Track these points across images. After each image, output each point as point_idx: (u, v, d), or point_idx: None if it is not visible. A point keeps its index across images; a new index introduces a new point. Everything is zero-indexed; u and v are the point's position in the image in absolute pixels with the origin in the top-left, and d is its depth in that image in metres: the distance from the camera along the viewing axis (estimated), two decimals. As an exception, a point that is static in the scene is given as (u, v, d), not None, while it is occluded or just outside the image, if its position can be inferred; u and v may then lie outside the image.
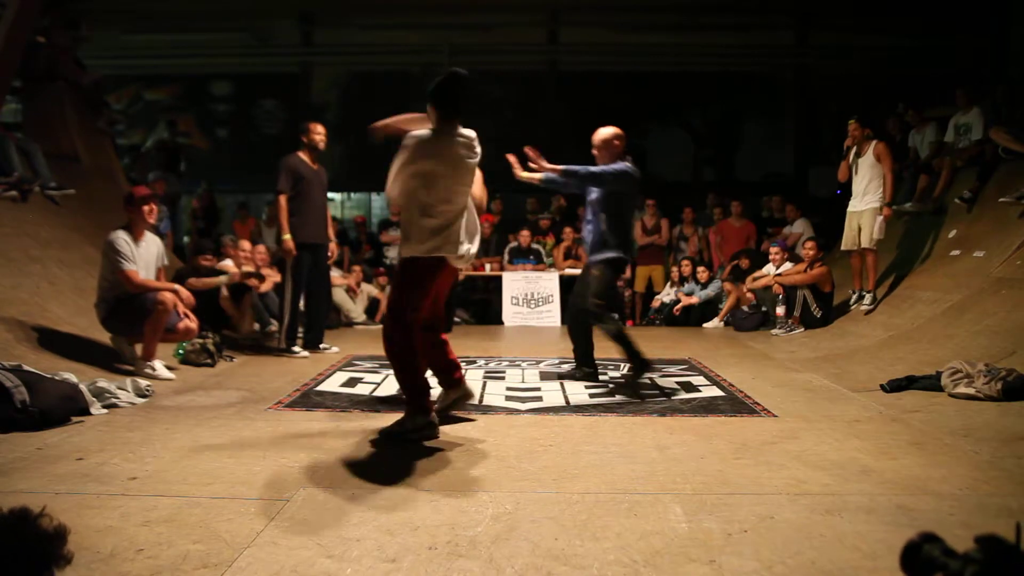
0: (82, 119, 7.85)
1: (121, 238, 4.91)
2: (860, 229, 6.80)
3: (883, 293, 6.82)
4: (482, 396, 4.52)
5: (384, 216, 10.95)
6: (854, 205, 6.91)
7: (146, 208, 5.04)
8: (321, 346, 6.17)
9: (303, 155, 5.95)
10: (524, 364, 5.70)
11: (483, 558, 2.12)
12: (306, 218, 5.88)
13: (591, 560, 2.11)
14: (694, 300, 8.60)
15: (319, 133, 6.01)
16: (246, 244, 7.55)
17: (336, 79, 12.91)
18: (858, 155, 6.84)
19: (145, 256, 5.05)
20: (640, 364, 4.76)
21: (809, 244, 7.36)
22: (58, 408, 3.62)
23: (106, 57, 11.46)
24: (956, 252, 6.51)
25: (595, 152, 5.05)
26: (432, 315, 3.68)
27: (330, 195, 13.40)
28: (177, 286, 5.14)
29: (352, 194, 13.50)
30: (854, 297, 7.01)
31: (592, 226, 4.89)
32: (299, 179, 5.85)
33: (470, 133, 3.59)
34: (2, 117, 6.87)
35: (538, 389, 4.73)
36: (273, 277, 7.71)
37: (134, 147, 10.99)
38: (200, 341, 5.44)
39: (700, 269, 8.76)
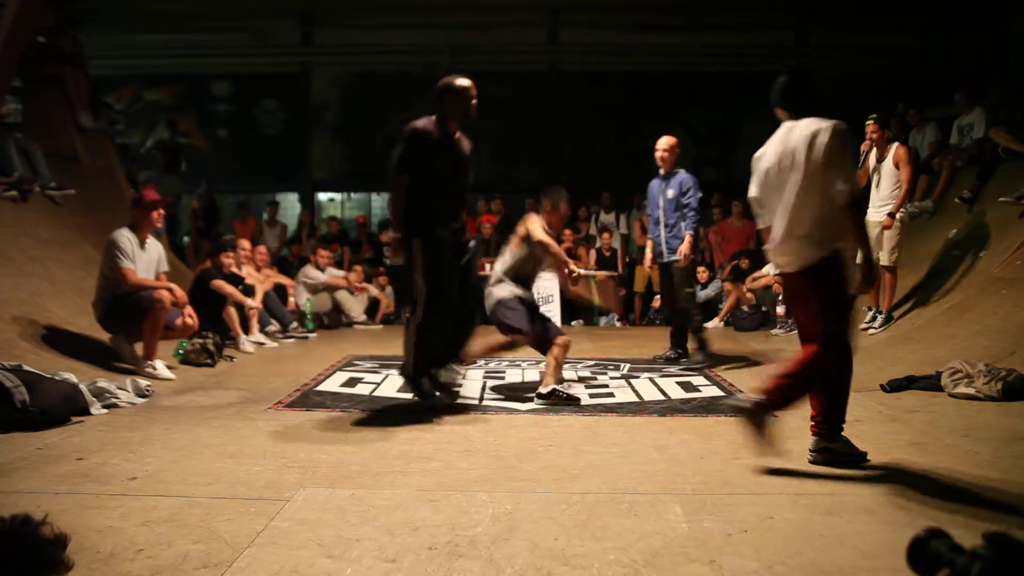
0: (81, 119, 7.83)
1: (124, 236, 4.94)
2: (880, 242, 6.15)
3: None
4: (482, 396, 4.52)
5: (384, 216, 10.93)
6: (871, 215, 6.22)
7: (155, 213, 5.11)
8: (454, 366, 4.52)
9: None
10: (524, 364, 5.70)
11: (483, 558, 2.12)
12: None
13: (591, 560, 2.11)
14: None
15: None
16: (246, 244, 7.55)
17: (336, 79, 12.90)
18: (879, 159, 6.22)
19: (146, 259, 5.06)
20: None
21: None
22: (58, 408, 3.62)
23: (106, 57, 11.45)
24: (956, 252, 6.51)
25: (665, 156, 5.72)
26: None
27: (330, 195, 13.52)
28: (172, 285, 5.14)
29: (352, 194, 13.50)
30: (868, 316, 6.42)
31: (671, 230, 5.67)
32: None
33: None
34: (2, 117, 6.87)
35: (538, 389, 4.72)
36: (274, 278, 7.72)
37: (123, 146, 10.95)
38: (200, 341, 5.45)
39: (700, 269, 8.76)
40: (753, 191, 3.25)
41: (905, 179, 6.14)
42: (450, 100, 4.11)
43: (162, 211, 5.24)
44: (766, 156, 3.16)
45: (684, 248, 5.55)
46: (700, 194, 5.66)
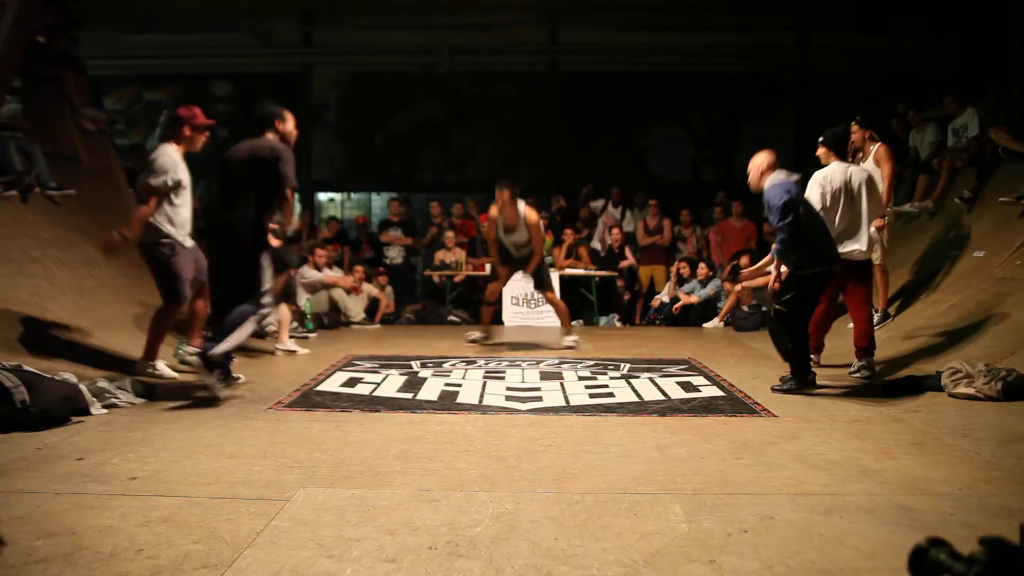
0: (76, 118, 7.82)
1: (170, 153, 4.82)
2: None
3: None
4: (482, 396, 4.52)
5: (384, 216, 10.93)
6: None
7: (202, 137, 5.00)
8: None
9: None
10: (524, 364, 5.70)
11: (483, 558, 2.13)
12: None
13: (591, 560, 2.11)
14: (694, 299, 8.61)
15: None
16: None
17: (336, 79, 12.90)
18: (862, 159, 6.26)
19: (187, 178, 4.96)
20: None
21: None
22: (58, 408, 3.62)
23: (106, 57, 11.46)
24: (955, 252, 6.51)
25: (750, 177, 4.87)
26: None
27: (331, 195, 13.53)
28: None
29: (352, 194, 13.50)
30: None
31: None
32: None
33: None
34: (2, 117, 6.86)
35: (538, 389, 4.73)
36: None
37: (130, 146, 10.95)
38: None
39: (700, 265, 8.80)
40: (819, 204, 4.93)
41: (886, 177, 6.10)
42: (291, 126, 4.73)
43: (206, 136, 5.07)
44: (833, 182, 5.01)
45: (761, 280, 4.98)
46: (783, 199, 4.41)
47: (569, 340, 6.73)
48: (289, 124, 4.75)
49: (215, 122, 5.12)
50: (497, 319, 8.81)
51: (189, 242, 4.96)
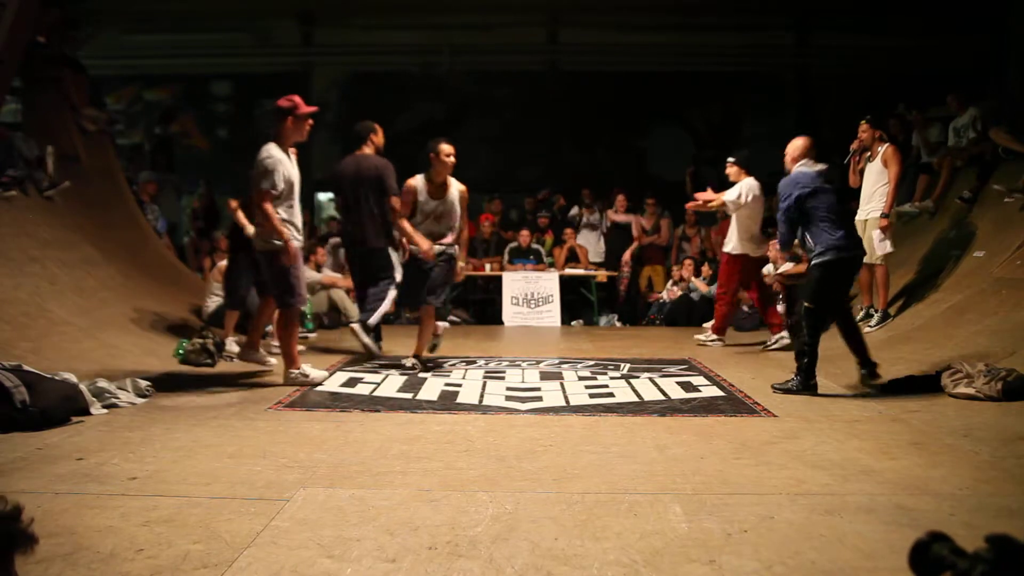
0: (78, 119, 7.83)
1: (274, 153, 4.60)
2: (869, 240, 6.16)
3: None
4: (482, 396, 4.52)
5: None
6: (859, 213, 6.40)
7: (307, 125, 4.77)
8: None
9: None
10: (524, 364, 5.70)
11: (483, 558, 2.13)
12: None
13: (591, 560, 2.11)
14: (704, 287, 8.69)
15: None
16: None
17: (336, 79, 12.89)
18: (869, 159, 6.36)
19: (295, 173, 4.79)
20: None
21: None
22: (58, 408, 3.62)
23: (106, 57, 11.46)
24: (956, 252, 6.51)
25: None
26: None
27: (330, 195, 13.51)
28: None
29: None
30: (861, 314, 6.45)
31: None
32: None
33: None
34: (2, 117, 6.87)
35: (538, 389, 4.73)
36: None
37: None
38: (200, 341, 5.45)
39: (705, 265, 8.86)
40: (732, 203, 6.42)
41: (893, 177, 6.15)
42: (381, 138, 5.93)
43: (312, 122, 4.80)
44: (754, 190, 6.44)
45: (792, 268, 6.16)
46: (787, 193, 4.58)
47: (427, 347, 5.66)
48: (380, 136, 5.84)
49: (318, 108, 4.90)
50: (497, 319, 8.82)
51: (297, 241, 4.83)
